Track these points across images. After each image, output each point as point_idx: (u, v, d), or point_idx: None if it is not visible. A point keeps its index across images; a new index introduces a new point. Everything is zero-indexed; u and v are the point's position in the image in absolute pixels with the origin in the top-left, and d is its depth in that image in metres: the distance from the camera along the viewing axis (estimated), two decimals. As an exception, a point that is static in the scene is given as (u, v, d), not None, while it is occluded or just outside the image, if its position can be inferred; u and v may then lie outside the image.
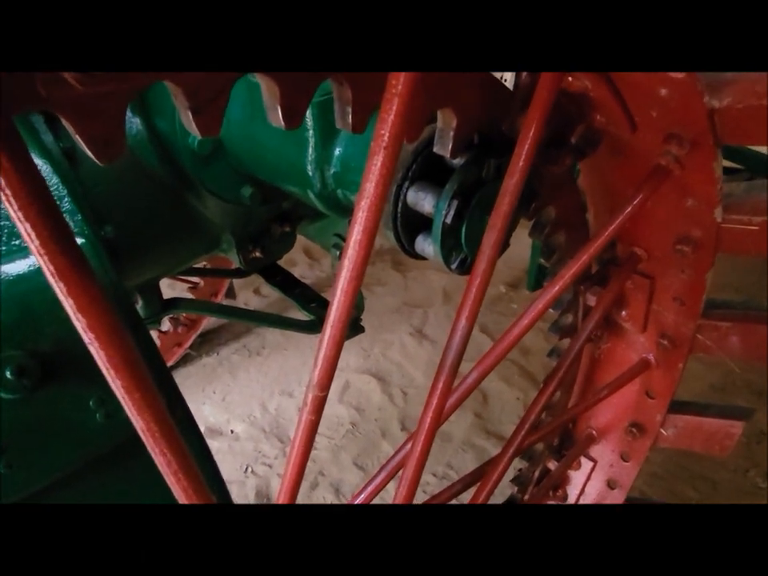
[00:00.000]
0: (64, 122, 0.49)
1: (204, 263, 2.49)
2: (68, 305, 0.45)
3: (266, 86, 0.58)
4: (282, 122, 0.59)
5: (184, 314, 2.84)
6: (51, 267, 0.42)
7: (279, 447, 2.59)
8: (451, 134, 0.76)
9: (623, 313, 1.37)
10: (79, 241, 0.89)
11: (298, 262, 3.69)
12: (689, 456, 2.48)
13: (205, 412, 2.78)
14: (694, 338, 1.27)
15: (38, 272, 0.86)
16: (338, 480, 2.46)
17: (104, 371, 0.48)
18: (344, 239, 1.69)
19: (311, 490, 2.41)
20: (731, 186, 1.03)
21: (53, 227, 0.42)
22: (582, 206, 1.15)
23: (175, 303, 1.59)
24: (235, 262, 1.48)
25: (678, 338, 1.29)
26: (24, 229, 0.41)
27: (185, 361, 3.01)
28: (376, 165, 0.52)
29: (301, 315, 1.92)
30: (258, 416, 2.75)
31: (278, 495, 0.78)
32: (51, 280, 0.43)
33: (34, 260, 0.87)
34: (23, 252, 0.87)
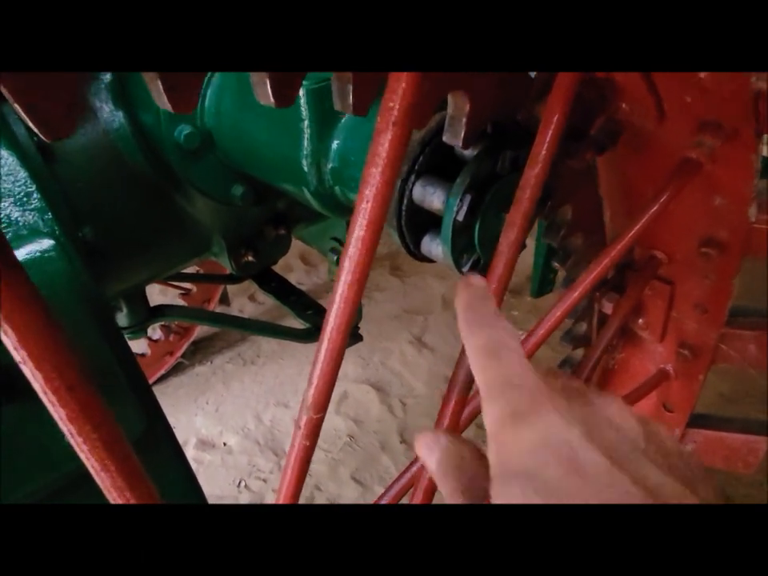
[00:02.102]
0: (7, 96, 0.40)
1: (197, 269, 2.40)
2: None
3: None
4: (272, 99, 0.50)
5: (176, 322, 2.75)
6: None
7: (274, 461, 2.50)
8: (464, 120, 0.68)
9: (640, 321, 1.29)
10: (48, 242, 0.80)
11: (294, 268, 3.60)
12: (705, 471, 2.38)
13: (197, 424, 2.68)
14: (716, 348, 1.18)
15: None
16: (335, 495, 2.36)
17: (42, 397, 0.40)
18: (342, 243, 1.62)
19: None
20: (762, 183, 0.95)
21: None
22: (601, 206, 1.07)
23: (162, 311, 1.51)
24: (226, 266, 1.39)
25: (699, 347, 1.21)
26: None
27: (176, 370, 2.91)
28: (383, 145, 0.43)
29: (297, 323, 1.83)
30: (252, 428, 2.65)
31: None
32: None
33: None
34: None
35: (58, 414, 0.39)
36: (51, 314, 0.38)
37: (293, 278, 3.18)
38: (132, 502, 0.43)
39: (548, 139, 0.63)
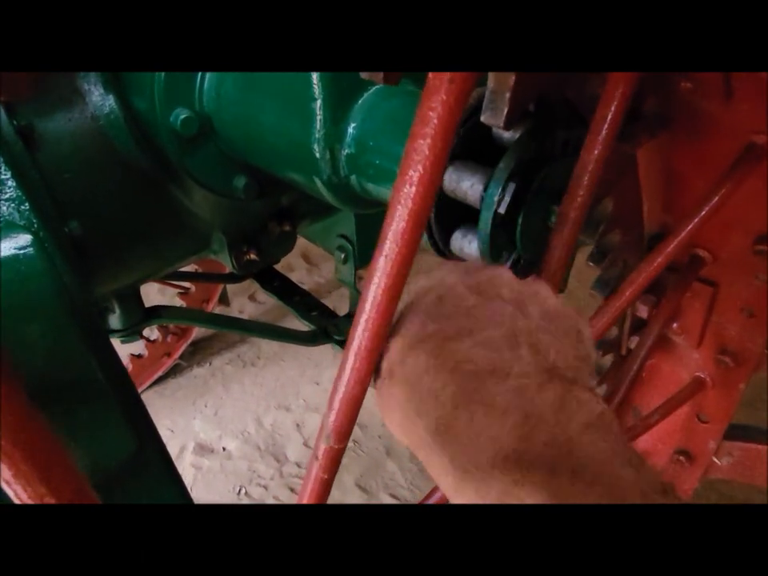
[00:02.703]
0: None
1: (196, 267, 2.30)
2: None
3: None
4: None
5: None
6: None
7: (275, 467, 2.40)
8: (507, 96, 0.57)
9: (674, 325, 1.19)
10: (25, 237, 0.70)
11: (295, 267, 3.49)
12: (724, 480, 2.29)
13: (195, 427, 2.58)
14: (762, 355, 1.09)
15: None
16: (339, 503, 2.26)
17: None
18: (349, 240, 1.52)
19: (310, 514, 2.21)
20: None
21: None
22: (641, 200, 0.97)
23: (158, 312, 1.40)
24: (227, 265, 1.29)
25: (742, 354, 1.11)
26: None
27: (175, 372, 2.81)
28: (435, 109, 0.33)
29: (299, 324, 1.73)
30: (252, 432, 2.56)
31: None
32: None
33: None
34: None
35: None
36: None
37: (294, 278, 3.06)
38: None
39: (610, 116, 0.53)
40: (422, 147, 0.35)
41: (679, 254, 1.03)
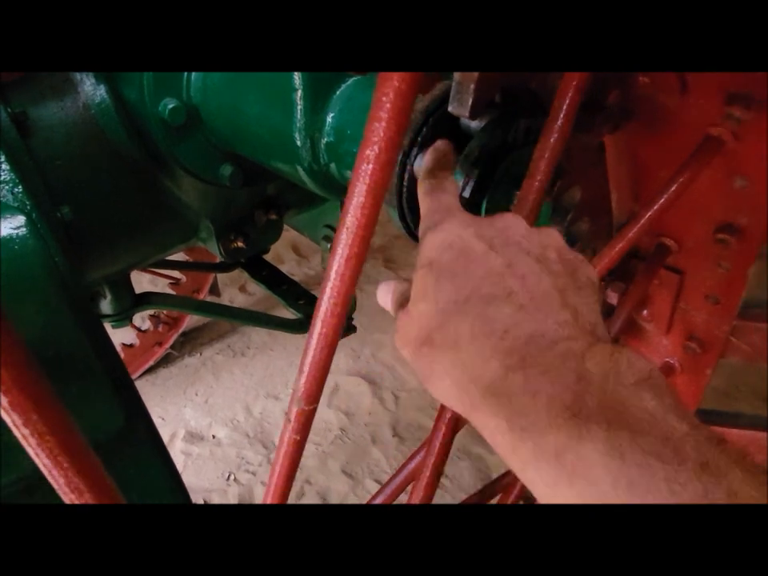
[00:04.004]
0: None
1: (186, 257, 2.34)
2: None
3: None
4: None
5: (165, 312, 2.68)
6: None
7: (263, 453, 2.44)
8: (472, 87, 0.62)
9: (644, 312, 1.24)
10: (19, 218, 0.74)
11: (285, 259, 3.53)
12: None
13: (186, 415, 2.62)
14: (727, 341, 1.14)
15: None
16: (325, 489, 2.31)
17: None
18: (334, 229, 1.56)
19: (297, 499, 2.26)
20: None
21: None
22: (608, 189, 1.02)
23: (149, 298, 1.44)
24: (214, 252, 1.33)
25: (708, 340, 1.16)
26: None
27: (166, 361, 2.84)
28: (388, 95, 0.37)
29: (287, 314, 1.77)
30: (241, 420, 2.60)
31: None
32: None
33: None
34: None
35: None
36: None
37: (284, 269, 3.09)
38: (90, 502, 0.37)
39: (566, 105, 0.58)
40: (378, 129, 0.39)
41: (644, 241, 1.08)
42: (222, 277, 2.98)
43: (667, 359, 1.26)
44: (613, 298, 1.14)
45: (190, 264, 2.20)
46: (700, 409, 1.28)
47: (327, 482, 2.33)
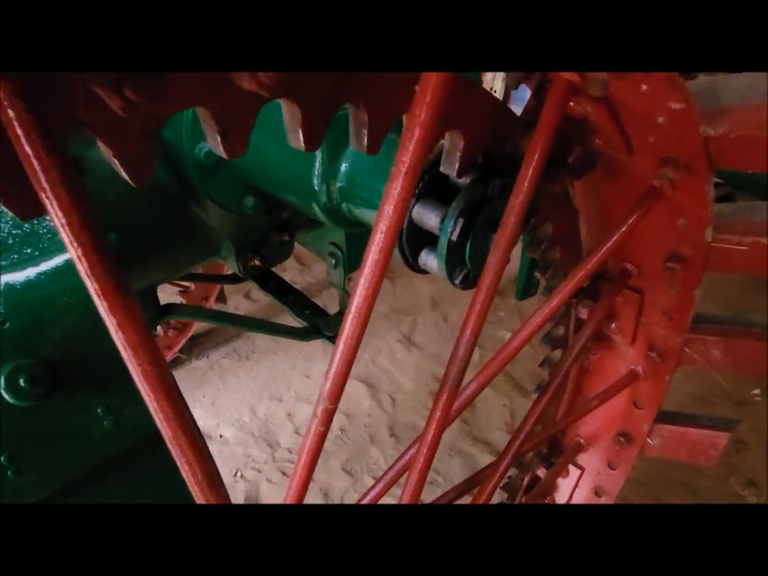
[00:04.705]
0: (100, 145, 0.51)
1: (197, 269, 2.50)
2: (110, 322, 0.47)
3: (288, 110, 0.61)
4: (303, 145, 0.61)
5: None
6: (97, 287, 0.45)
7: (268, 452, 2.60)
8: (458, 154, 0.79)
9: (613, 325, 1.41)
10: (89, 250, 0.90)
11: (288, 268, 3.70)
12: (671, 464, 2.53)
13: (195, 416, 2.77)
14: (681, 351, 1.31)
15: (47, 280, 0.87)
16: (326, 485, 2.47)
17: (136, 379, 0.51)
18: (339, 248, 1.73)
19: (300, 495, 2.42)
20: (721, 207, 1.07)
21: (99, 250, 0.44)
22: (577, 223, 1.19)
23: (171, 309, 1.61)
24: (233, 269, 1.49)
25: (665, 350, 1.33)
26: (74, 253, 0.43)
27: (175, 364, 3.01)
28: (396, 189, 0.54)
29: (292, 321, 1.94)
30: (247, 420, 2.76)
31: (285, 498, 0.80)
32: (96, 299, 0.46)
33: (43, 268, 0.88)
34: (34, 261, 0.88)
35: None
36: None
37: (287, 277, 3.26)
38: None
39: (530, 172, 0.75)
40: (388, 209, 0.56)
41: (610, 265, 1.25)
42: (228, 285, 3.15)
43: (632, 367, 1.43)
44: (583, 314, 1.31)
45: (205, 276, 2.36)
46: (661, 411, 1.45)
47: (329, 479, 2.50)
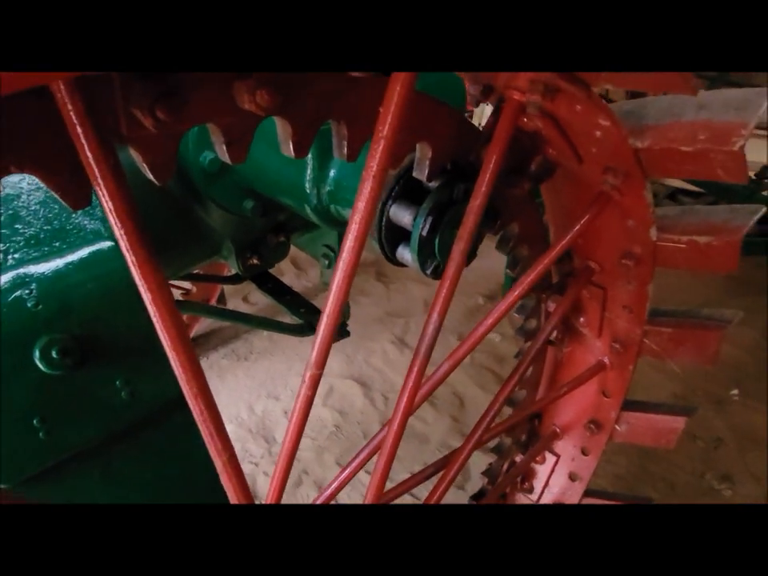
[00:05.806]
0: (134, 153, 0.65)
1: (198, 271, 2.63)
2: (146, 297, 0.61)
3: (281, 126, 0.75)
4: (293, 154, 0.75)
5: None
6: (138, 270, 0.59)
7: (265, 447, 2.73)
8: (427, 162, 0.93)
9: (582, 319, 1.54)
10: (108, 243, 1.04)
11: (285, 272, 3.84)
12: (650, 459, 2.65)
13: (194, 413, 2.90)
14: (641, 343, 1.44)
15: (75, 270, 1.01)
16: (321, 478, 2.59)
17: (168, 351, 0.64)
18: (333, 249, 1.86)
19: (295, 488, 2.54)
20: (667, 210, 1.21)
21: (138, 231, 0.58)
22: (543, 222, 1.32)
23: (179, 306, 1.73)
24: (234, 268, 1.63)
25: (628, 342, 1.46)
26: (119, 232, 0.57)
27: (175, 364, 3.12)
28: (366, 189, 0.68)
29: (289, 320, 2.06)
30: (245, 417, 2.88)
31: (276, 462, 0.93)
32: (137, 279, 0.60)
33: (71, 259, 1.01)
34: (62, 253, 1.01)
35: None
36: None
37: (284, 281, 3.41)
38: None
39: (486, 178, 0.88)
40: (361, 205, 0.69)
41: (577, 262, 1.39)
42: (227, 288, 3.28)
43: (600, 358, 1.56)
44: (552, 307, 1.45)
45: (206, 276, 2.49)
46: (627, 399, 1.58)
47: (323, 473, 2.62)
